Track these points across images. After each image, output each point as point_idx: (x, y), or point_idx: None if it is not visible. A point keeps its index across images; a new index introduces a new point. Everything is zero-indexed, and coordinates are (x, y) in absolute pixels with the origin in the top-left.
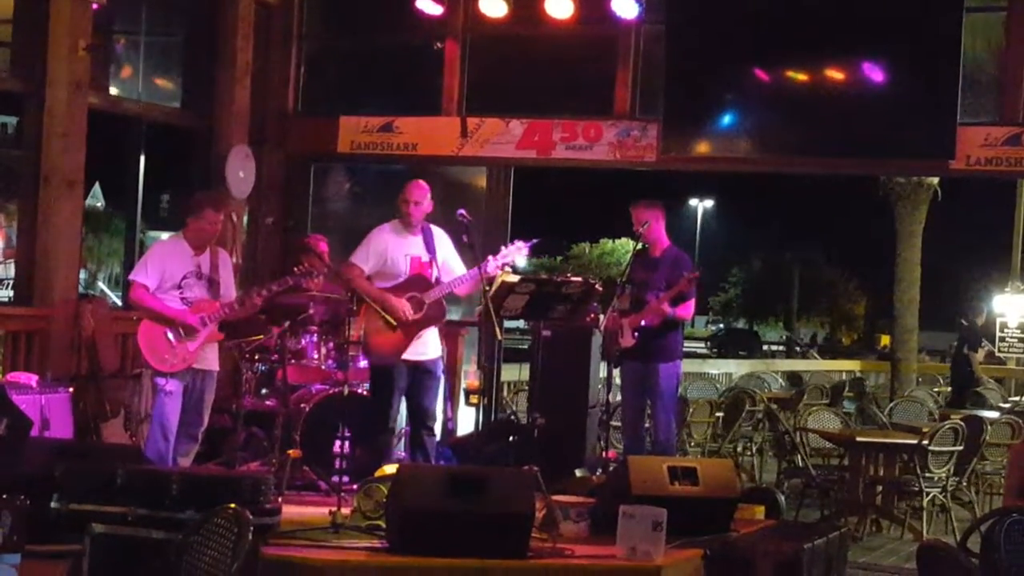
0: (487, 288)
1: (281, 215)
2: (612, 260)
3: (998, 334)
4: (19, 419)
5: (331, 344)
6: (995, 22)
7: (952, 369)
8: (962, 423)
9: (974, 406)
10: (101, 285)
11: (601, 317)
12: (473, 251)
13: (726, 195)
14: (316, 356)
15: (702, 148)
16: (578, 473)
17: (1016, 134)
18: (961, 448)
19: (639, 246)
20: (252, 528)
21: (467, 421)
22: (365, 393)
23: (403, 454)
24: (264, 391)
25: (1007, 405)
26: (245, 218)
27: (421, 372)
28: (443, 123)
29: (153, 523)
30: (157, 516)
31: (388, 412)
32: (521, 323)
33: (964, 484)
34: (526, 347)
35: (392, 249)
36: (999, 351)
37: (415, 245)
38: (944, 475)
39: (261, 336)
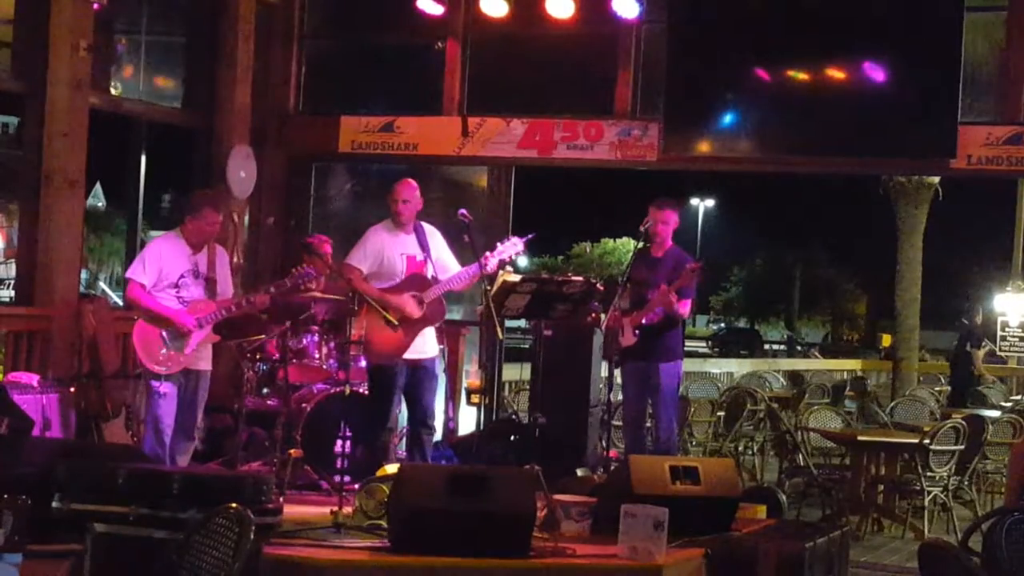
0: (488, 288)
1: (282, 215)
2: (613, 260)
3: (999, 333)
4: (20, 419)
5: (332, 344)
6: (996, 21)
7: (952, 368)
8: (963, 422)
9: (975, 405)
10: (102, 285)
11: (602, 316)
12: (474, 250)
13: (727, 194)
14: (317, 356)
15: (703, 148)
16: (579, 472)
17: (1017, 133)
18: (962, 447)
19: (641, 245)
20: (254, 528)
21: (468, 420)
22: (366, 393)
23: (403, 453)
24: (265, 391)
25: (1008, 404)
26: (246, 218)
27: (420, 371)
28: (444, 123)
29: (154, 523)
30: (159, 516)
31: (388, 412)
32: (522, 323)
33: (965, 483)
34: (527, 347)
35: (388, 249)
36: (1000, 350)
37: (409, 244)
38: (945, 474)
39: (262, 336)
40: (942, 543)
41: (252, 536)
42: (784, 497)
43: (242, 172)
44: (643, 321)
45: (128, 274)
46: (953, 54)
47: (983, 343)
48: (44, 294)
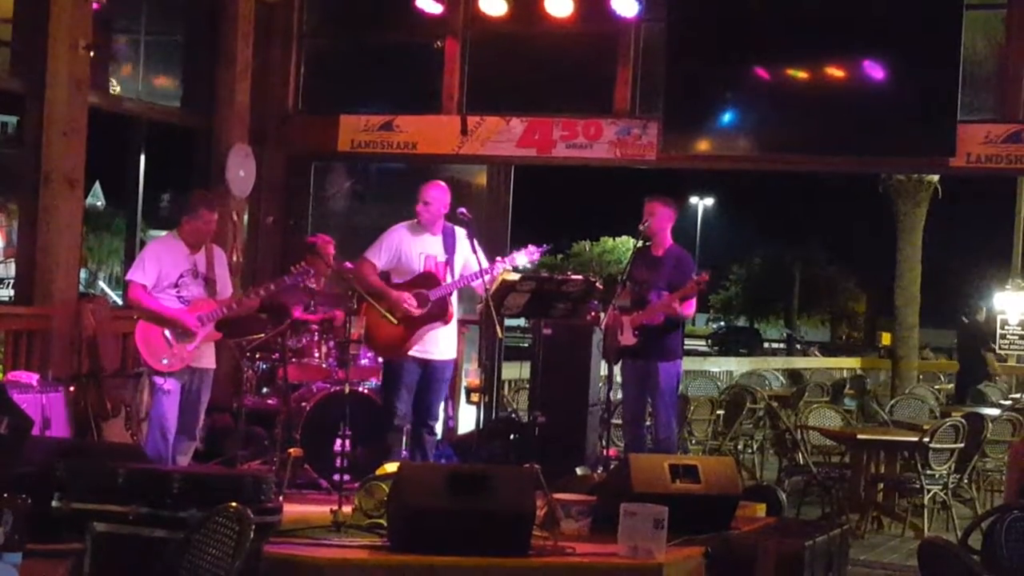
0: (488, 286)
1: (281, 214)
2: (612, 258)
3: (999, 331)
4: (20, 418)
5: (332, 343)
6: (995, 19)
7: (961, 366)
8: (963, 420)
9: (975, 403)
10: (102, 284)
11: (602, 315)
12: (474, 250)
13: (726, 193)
14: (317, 355)
15: (702, 146)
16: (579, 471)
17: (1016, 131)
18: (962, 445)
19: (640, 244)
20: (253, 527)
21: (468, 419)
22: (366, 391)
23: (403, 452)
24: (265, 390)
25: (1008, 402)
26: (245, 217)
27: (429, 370)
28: (443, 121)
29: (154, 522)
30: (158, 515)
31: (392, 406)
32: (522, 321)
33: (965, 481)
34: (527, 345)
35: (406, 247)
36: (999, 348)
37: (432, 245)
38: (945, 472)
39: (262, 335)
40: (942, 541)
41: (252, 535)
42: (784, 495)
43: (241, 171)
44: (643, 321)
45: (128, 277)
46: (952, 53)
47: (990, 344)
48: (43, 293)
